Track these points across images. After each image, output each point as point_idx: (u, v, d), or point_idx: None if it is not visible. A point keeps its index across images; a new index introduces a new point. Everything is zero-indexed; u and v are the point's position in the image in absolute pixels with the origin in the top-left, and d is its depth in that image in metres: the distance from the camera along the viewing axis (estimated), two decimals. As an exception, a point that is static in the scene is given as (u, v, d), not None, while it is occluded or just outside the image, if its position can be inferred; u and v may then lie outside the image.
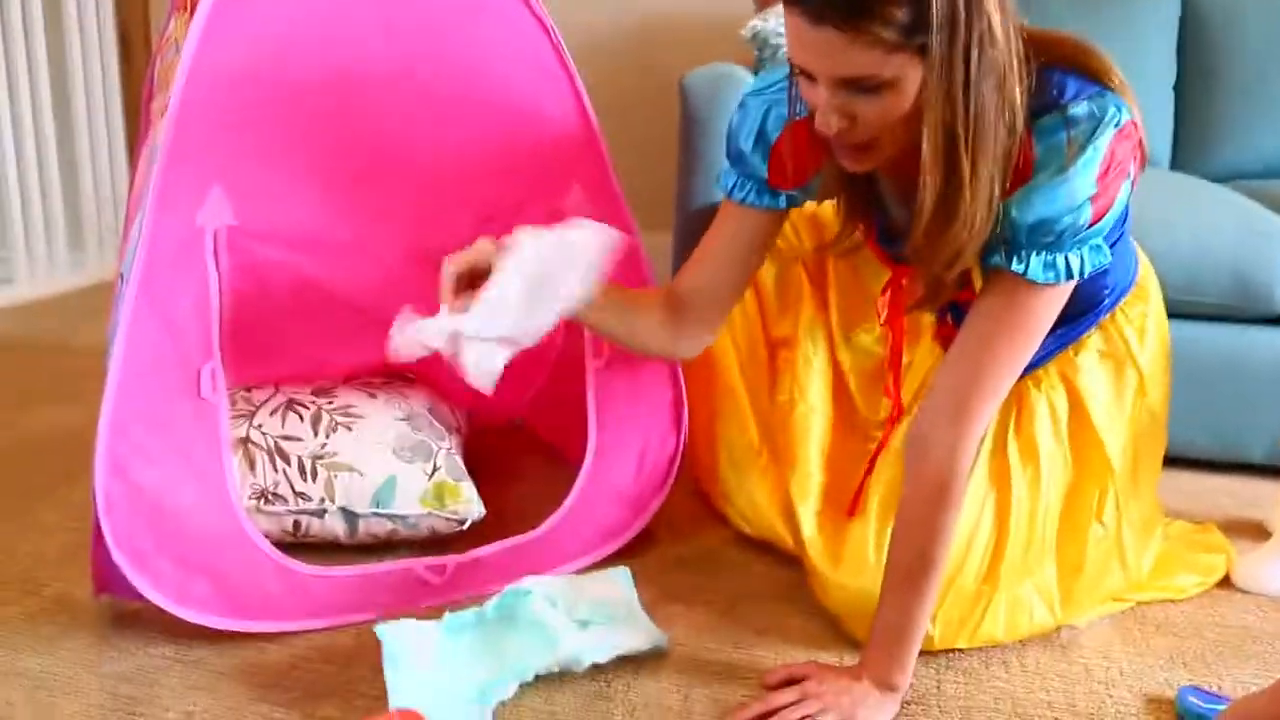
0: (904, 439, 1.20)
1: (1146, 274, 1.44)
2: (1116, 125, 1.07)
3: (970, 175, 1.05)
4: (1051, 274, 1.10)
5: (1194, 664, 1.30)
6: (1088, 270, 1.12)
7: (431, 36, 1.33)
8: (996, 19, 1.01)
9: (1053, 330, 1.31)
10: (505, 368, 1.14)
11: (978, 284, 1.18)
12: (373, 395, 1.55)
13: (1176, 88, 2.32)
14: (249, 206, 1.26)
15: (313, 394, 1.52)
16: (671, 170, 1.96)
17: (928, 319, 1.43)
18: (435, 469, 1.46)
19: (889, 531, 1.20)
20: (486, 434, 1.81)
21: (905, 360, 1.46)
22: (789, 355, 1.54)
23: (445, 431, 1.55)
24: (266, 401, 1.49)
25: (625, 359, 1.45)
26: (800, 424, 1.49)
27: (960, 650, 1.30)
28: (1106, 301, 1.35)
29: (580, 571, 1.44)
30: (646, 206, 1.78)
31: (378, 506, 1.43)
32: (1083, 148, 1.06)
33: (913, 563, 1.15)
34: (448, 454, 1.50)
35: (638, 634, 1.27)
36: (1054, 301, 1.14)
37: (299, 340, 1.47)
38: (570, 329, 1.41)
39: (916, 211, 1.08)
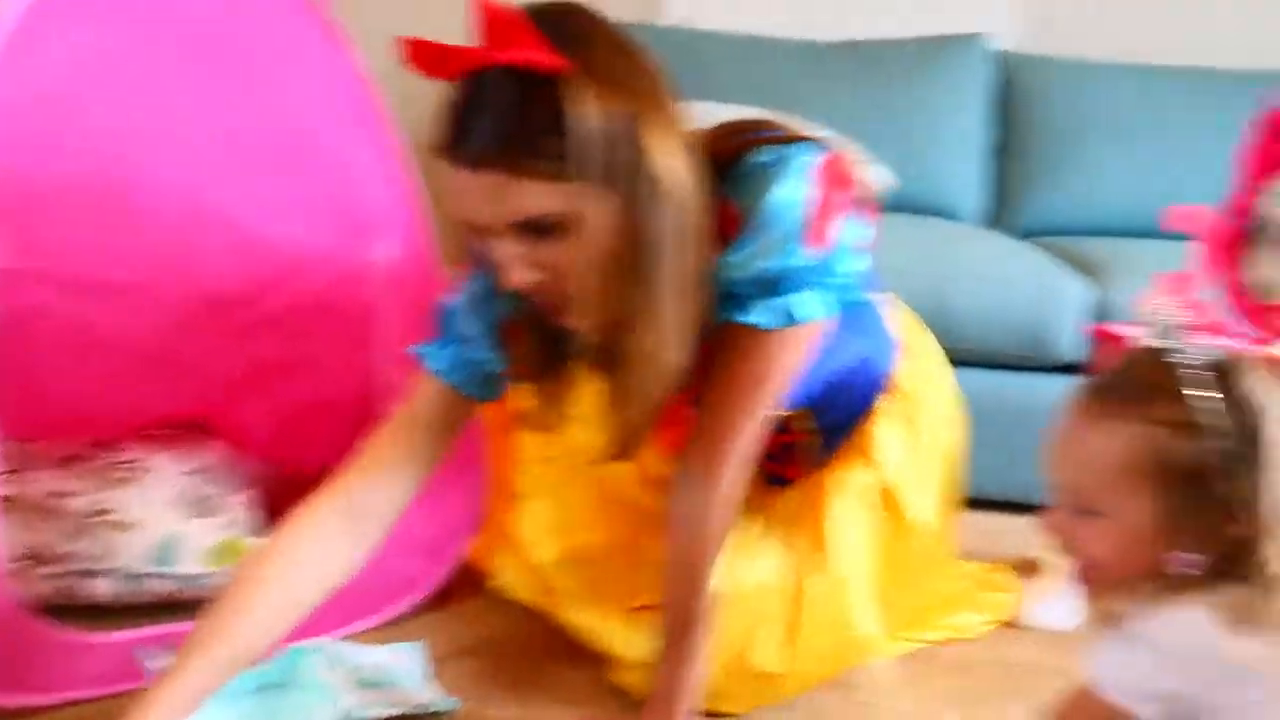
0: (666, 503, 1.19)
1: (909, 325, 1.49)
2: (811, 161, 1.07)
3: (657, 306, 1.01)
4: (781, 319, 1.08)
5: (972, 702, 1.35)
6: (823, 314, 1.10)
7: (232, 81, 1.31)
8: (662, 138, 0.98)
9: (845, 416, 1.37)
10: (311, 415, 1.10)
11: None
12: (163, 448, 1.50)
13: (995, 150, 2.44)
14: (22, 247, 1.22)
15: (94, 446, 1.47)
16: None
17: None
18: (227, 525, 1.42)
19: None
20: (300, 484, 1.76)
21: None
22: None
23: (240, 485, 1.51)
24: (40, 455, 1.44)
25: None
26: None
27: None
28: (884, 369, 1.39)
29: (374, 630, 1.41)
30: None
31: (159, 566, 1.38)
32: (777, 189, 1.05)
33: (679, 632, 1.16)
34: (241, 509, 1.46)
35: (422, 693, 1.26)
36: (788, 349, 1.11)
37: (75, 388, 1.42)
38: (367, 373, 1.40)
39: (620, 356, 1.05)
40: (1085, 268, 1.97)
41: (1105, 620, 0.91)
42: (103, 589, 1.38)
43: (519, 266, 0.99)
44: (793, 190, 1.06)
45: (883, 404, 1.41)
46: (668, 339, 1.04)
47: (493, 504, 1.53)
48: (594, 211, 0.97)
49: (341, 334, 1.47)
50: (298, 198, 1.37)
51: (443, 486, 1.44)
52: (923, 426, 1.42)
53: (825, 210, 1.08)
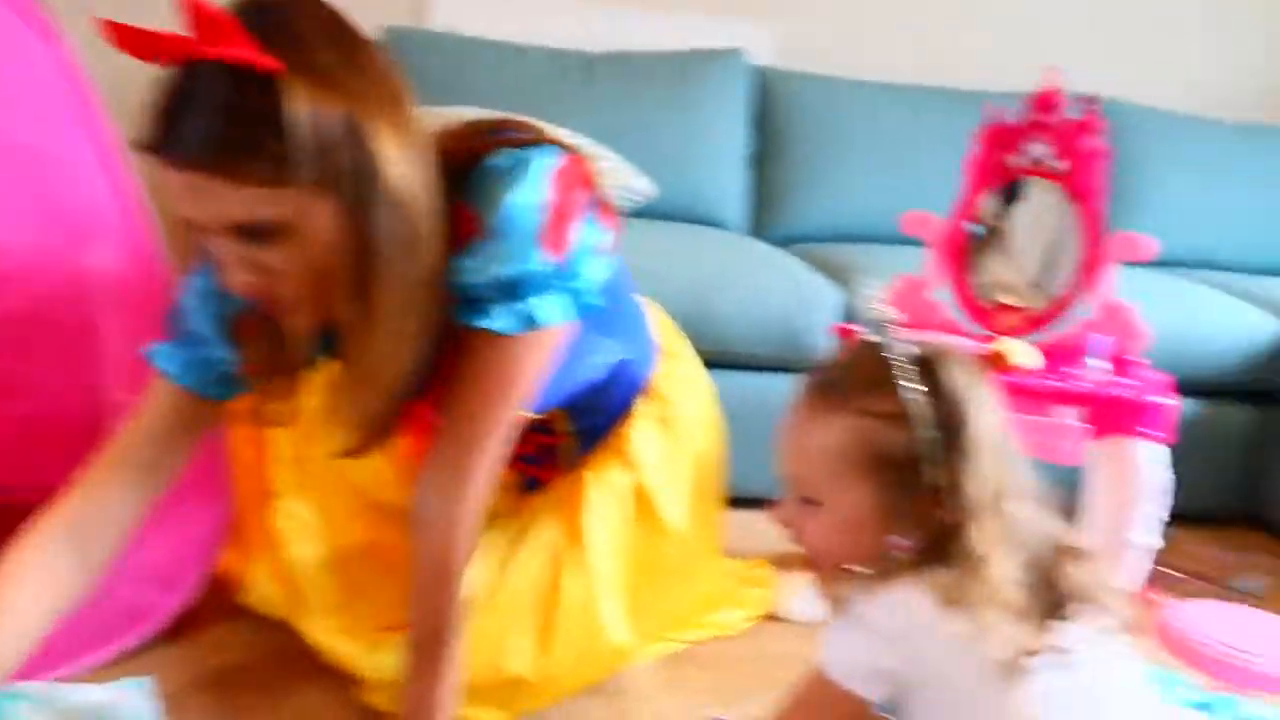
0: (410, 517, 1.14)
1: (666, 329, 1.51)
2: (549, 164, 1.06)
3: (382, 313, 0.98)
4: (521, 323, 1.07)
5: (731, 696, 1.38)
6: (566, 318, 1.09)
7: None
8: (389, 145, 0.94)
9: (598, 424, 1.36)
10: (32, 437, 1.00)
11: None
12: None
13: (753, 160, 2.53)
14: None
15: None
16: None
17: None
18: None
19: None
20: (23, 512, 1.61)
21: None
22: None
23: None
24: None
25: None
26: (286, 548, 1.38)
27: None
28: (642, 373, 1.40)
29: (105, 667, 1.30)
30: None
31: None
32: (513, 192, 1.04)
33: (429, 640, 1.12)
34: None
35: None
36: (531, 352, 1.10)
37: None
38: (93, 389, 1.29)
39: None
40: (836, 273, 2.07)
41: (833, 606, 0.94)
42: None
43: (235, 268, 0.95)
44: (530, 193, 1.05)
45: (640, 407, 1.42)
46: (392, 345, 1.01)
47: (245, 510, 1.45)
48: (313, 216, 0.93)
49: (60, 348, 1.34)
50: (3, 201, 1.25)
51: (178, 509, 1.35)
52: (680, 429, 1.43)
53: (564, 213, 1.07)
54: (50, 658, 1.23)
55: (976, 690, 0.89)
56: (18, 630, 1.01)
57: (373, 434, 1.11)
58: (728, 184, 2.46)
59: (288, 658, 1.37)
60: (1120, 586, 0.98)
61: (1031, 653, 0.87)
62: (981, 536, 0.89)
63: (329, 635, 1.31)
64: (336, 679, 1.31)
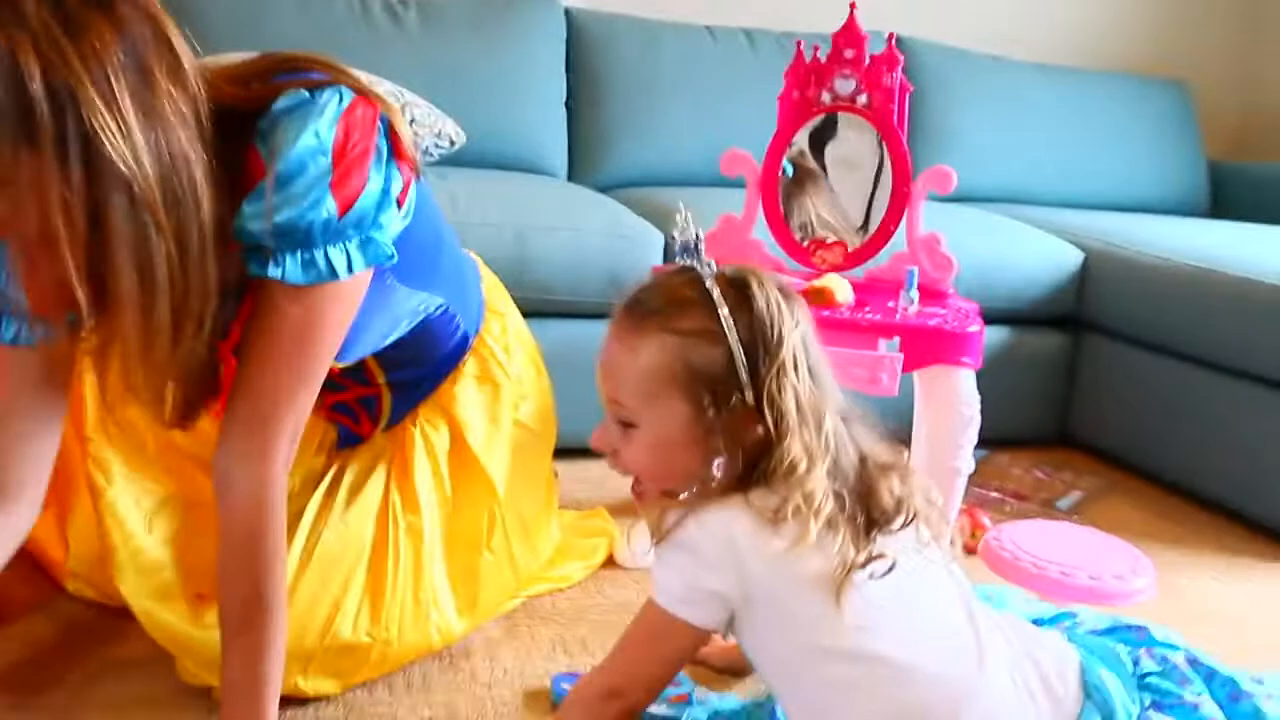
0: (213, 482, 1.08)
1: (492, 288, 1.48)
2: (339, 105, 1.01)
3: (123, 290, 0.90)
4: (313, 273, 1.01)
5: (575, 649, 1.37)
6: (361, 266, 1.04)
7: None
8: (116, 111, 0.86)
9: (419, 376, 1.31)
10: None
11: None
12: None
13: (568, 104, 2.48)
14: None
15: None
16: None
17: None
18: None
19: None
20: None
21: None
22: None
23: None
24: None
25: None
26: (110, 511, 1.27)
27: (344, 682, 1.24)
28: (467, 330, 1.36)
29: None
30: None
31: None
32: (299, 135, 0.98)
33: (244, 612, 1.05)
34: None
35: None
36: (329, 304, 1.04)
37: None
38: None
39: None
40: (656, 216, 2.05)
41: (657, 534, 0.94)
42: None
43: None
44: (317, 137, 0.99)
45: (465, 365, 1.38)
46: (153, 329, 0.93)
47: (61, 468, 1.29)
48: (22, 177, 0.85)
49: None
50: None
51: None
52: (505, 389, 1.40)
53: (354, 158, 1.01)
54: None
55: (803, 606, 0.90)
56: None
57: (182, 407, 1.04)
58: (545, 129, 2.41)
59: (103, 643, 1.29)
60: (938, 500, 1.00)
61: (853, 565, 0.89)
62: (797, 450, 0.91)
63: (147, 598, 1.22)
64: (155, 662, 1.23)
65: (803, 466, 0.91)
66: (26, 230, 0.88)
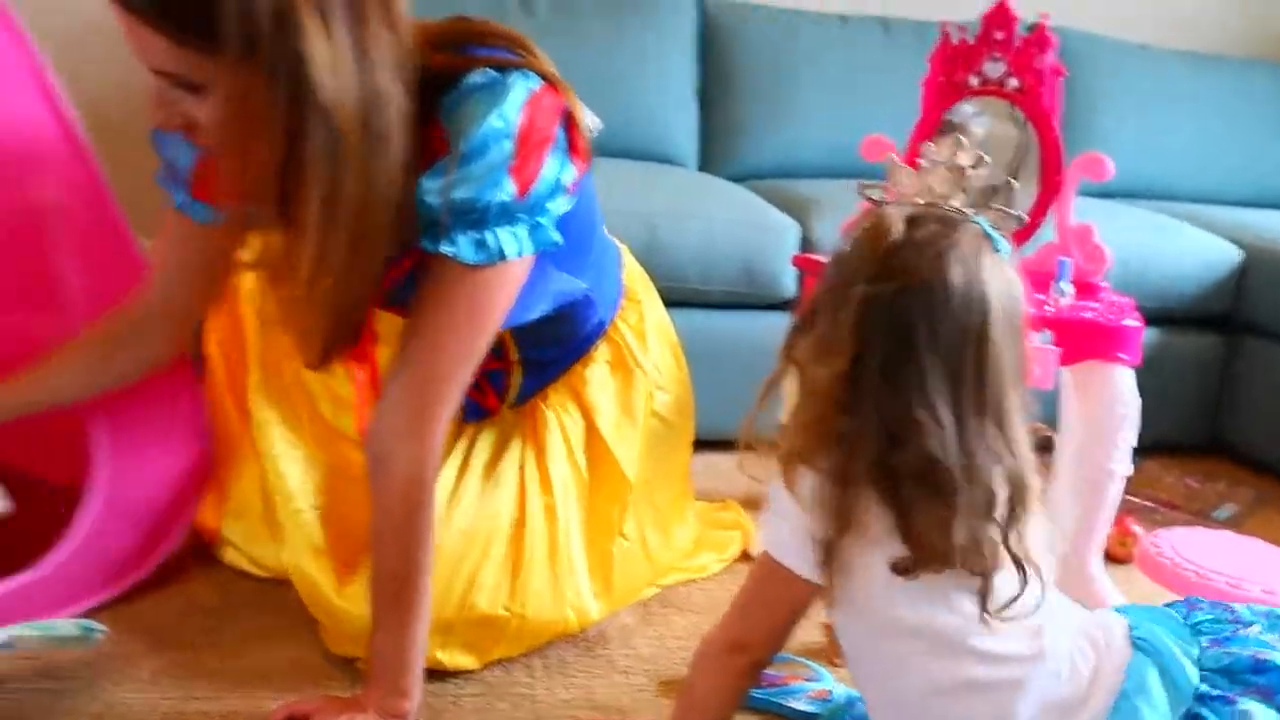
0: (367, 455, 1.10)
1: (636, 277, 1.47)
2: (526, 91, 1.02)
3: (304, 218, 0.95)
4: (484, 254, 1.03)
5: (710, 638, 1.34)
6: (528, 249, 1.05)
7: None
8: (326, 42, 0.91)
9: (553, 356, 1.32)
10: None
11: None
12: None
13: (700, 94, 2.46)
14: None
15: None
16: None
17: None
18: None
19: None
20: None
21: None
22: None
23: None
24: None
25: None
26: (270, 467, 1.33)
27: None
28: (604, 316, 1.36)
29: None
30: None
31: (43, 629, 1.14)
32: (486, 116, 1.00)
33: (396, 585, 1.07)
34: None
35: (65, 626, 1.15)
36: (496, 284, 1.06)
37: None
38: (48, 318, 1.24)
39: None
40: (791, 207, 2.02)
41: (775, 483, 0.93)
42: None
43: (157, 106, 0.97)
44: (503, 120, 1.00)
45: (600, 349, 1.37)
46: (320, 259, 0.97)
47: (223, 440, 1.41)
48: (236, 91, 0.92)
49: (17, 279, 1.28)
50: None
51: (163, 455, 1.34)
52: (639, 377, 1.39)
53: (535, 144, 1.02)
54: (48, 603, 1.22)
55: (875, 573, 0.88)
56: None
57: (324, 347, 1.07)
58: (677, 119, 2.39)
59: (257, 610, 1.33)
60: (1050, 547, 0.94)
61: (927, 568, 0.87)
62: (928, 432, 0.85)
63: (302, 557, 1.26)
64: (305, 630, 1.27)
65: (930, 450, 0.85)
66: (226, 137, 0.95)
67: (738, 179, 2.31)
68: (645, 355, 1.40)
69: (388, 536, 1.07)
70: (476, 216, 1.01)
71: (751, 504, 1.70)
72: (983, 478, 0.86)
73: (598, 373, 1.36)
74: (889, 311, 0.86)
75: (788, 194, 2.13)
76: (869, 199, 1.28)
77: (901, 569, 0.87)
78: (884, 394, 0.86)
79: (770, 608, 0.95)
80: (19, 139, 1.24)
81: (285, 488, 1.30)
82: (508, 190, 1.01)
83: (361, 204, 0.96)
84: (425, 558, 1.07)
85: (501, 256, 1.04)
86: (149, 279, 1.22)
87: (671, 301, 1.80)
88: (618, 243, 1.45)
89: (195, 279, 1.21)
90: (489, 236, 1.03)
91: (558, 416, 1.33)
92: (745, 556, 1.58)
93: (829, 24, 2.52)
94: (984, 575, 0.87)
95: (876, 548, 0.88)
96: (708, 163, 2.44)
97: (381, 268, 1.03)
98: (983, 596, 0.88)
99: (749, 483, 1.75)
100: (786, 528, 0.91)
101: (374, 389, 1.31)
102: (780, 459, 0.92)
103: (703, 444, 1.84)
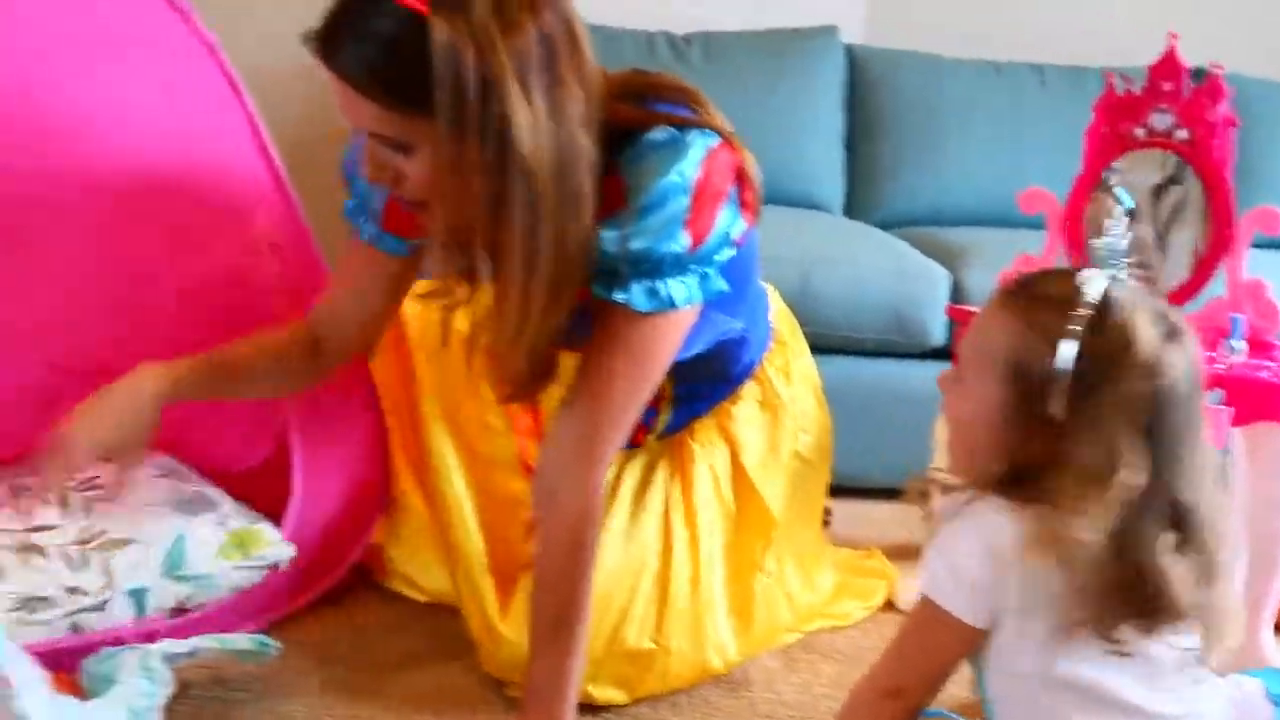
0: (533, 489, 1.15)
1: (783, 319, 1.49)
2: (704, 148, 1.06)
3: (509, 263, 1.02)
4: (655, 302, 1.07)
5: (855, 688, 1.34)
6: (697, 298, 1.09)
7: (78, 64, 1.24)
8: (525, 105, 0.97)
9: (704, 392, 1.35)
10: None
11: None
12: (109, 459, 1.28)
13: (847, 141, 2.47)
14: None
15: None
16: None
17: None
18: (225, 516, 1.28)
19: None
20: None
21: None
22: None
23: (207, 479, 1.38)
24: None
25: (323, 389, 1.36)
26: (446, 494, 1.39)
27: (630, 697, 1.27)
28: (753, 356, 1.38)
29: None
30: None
31: (168, 573, 1.23)
32: (666, 171, 1.04)
33: (557, 618, 1.11)
34: (227, 499, 1.33)
35: (240, 641, 1.21)
36: (665, 331, 1.10)
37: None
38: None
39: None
40: (938, 254, 2.00)
41: (936, 519, 0.94)
42: (111, 619, 1.21)
43: (369, 162, 1.05)
44: (682, 176, 1.05)
45: (747, 388, 1.39)
46: (520, 301, 1.04)
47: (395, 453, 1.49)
48: (444, 151, 0.99)
49: (238, 313, 1.37)
50: (159, 179, 1.30)
51: (345, 473, 1.43)
52: (784, 417, 1.41)
53: (710, 199, 1.07)
54: (256, 606, 1.34)
55: (1037, 629, 0.88)
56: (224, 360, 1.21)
57: (520, 385, 1.13)
58: (823, 165, 2.40)
59: (415, 634, 1.39)
60: (1240, 618, 0.93)
61: (1096, 633, 0.86)
62: (1079, 492, 0.86)
63: (477, 578, 1.31)
64: (460, 654, 1.32)
65: (1081, 508, 0.86)
66: (433, 192, 1.03)
67: (883, 225, 2.30)
68: (791, 396, 1.42)
69: (552, 569, 1.11)
70: (650, 266, 1.06)
71: (895, 553, 1.69)
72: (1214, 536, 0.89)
73: (745, 410, 1.38)
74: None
75: (936, 241, 2.11)
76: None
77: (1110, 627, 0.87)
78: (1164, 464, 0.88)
79: (929, 653, 0.94)
80: (238, 178, 1.35)
81: (461, 510, 1.36)
82: (681, 242, 1.06)
83: (559, 253, 1.02)
84: (587, 591, 1.11)
85: (672, 305, 1.08)
86: (326, 298, 1.29)
87: (820, 348, 1.81)
88: (767, 286, 1.47)
89: (371, 303, 1.27)
90: (661, 286, 1.07)
91: (706, 451, 1.35)
92: (889, 605, 1.56)
93: (982, 70, 2.50)
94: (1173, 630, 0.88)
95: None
96: (852, 209, 2.43)
97: (572, 309, 1.07)
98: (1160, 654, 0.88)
99: (890, 531, 1.76)
100: (953, 574, 0.90)
101: (536, 420, 1.37)
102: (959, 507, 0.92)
103: (848, 491, 1.85)
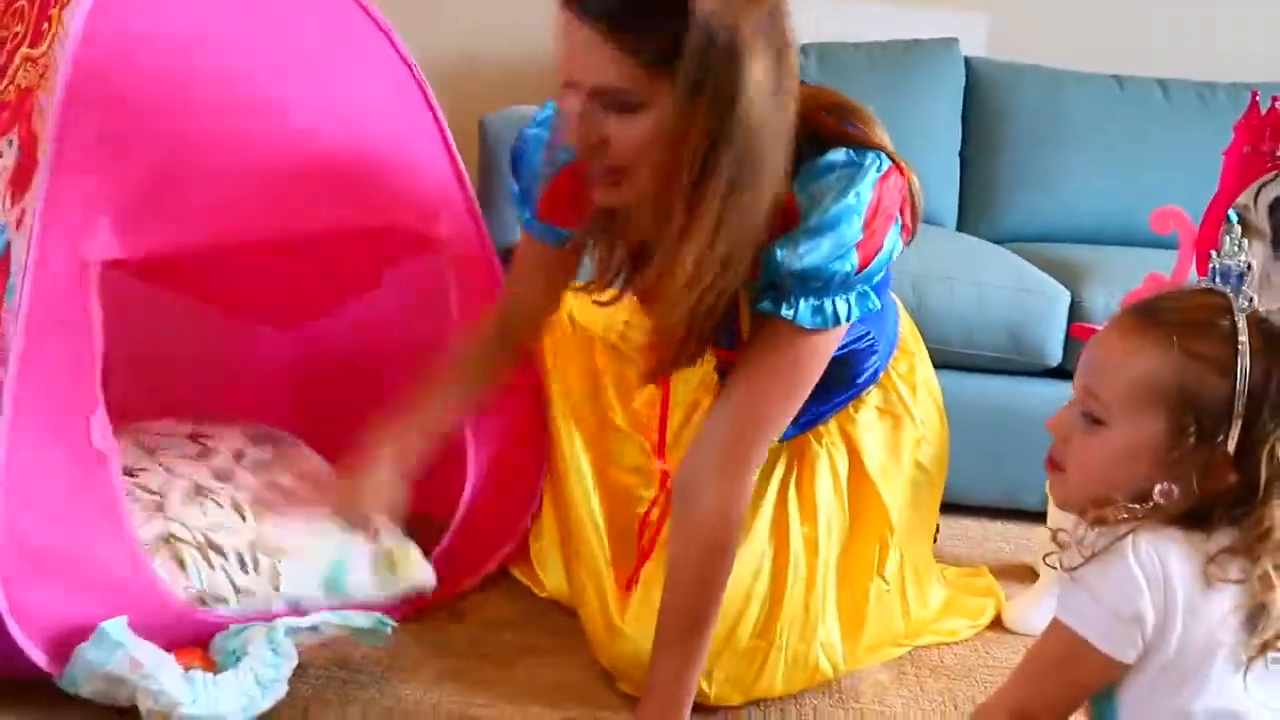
0: (674, 489, 1.17)
1: (908, 329, 1.48)
2: (878, 171, 1.08)
3: (697, 227, 1.03)
4: (820, 319, 1.09)
5: (965, 705, 1.33)
6: (855, 315, 1.12)
7: (304, 65, 1.32)
8: (760, 75, 0.99)
9: (829, 395, 1.33)
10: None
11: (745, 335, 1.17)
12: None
13: (962, 154, 2.43)
14: (130, 234, 1.15)
15: (215, 478, 1.34)
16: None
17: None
18: (376, 533, 1.33)
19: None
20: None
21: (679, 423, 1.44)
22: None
23: None
24: (170, 489, 1.30)
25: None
26: (574, 489, 1.43)
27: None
28: (879, 363, 1.38)
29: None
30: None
31: (327, 591, 1.28)
32: (843, 193, 1.06)
33: (686, 619, 1.12)
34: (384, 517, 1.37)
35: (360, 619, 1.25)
36: (823, 348, 1.13)
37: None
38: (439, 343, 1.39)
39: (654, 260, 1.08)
40: (1059, 272, 1.96)
41: (1074, 545, 0.90)
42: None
43: (578, 124, 1.03)
44: (859, 198, 1.07)
45: (872, 394, 1.40)
46: (702, 271, 1.05)
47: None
48: (670, 110, 1.00)
49: (422, 313, 1.48)
50: (364, 171, 1.36)
51: (508, 467, 1.48)
52: (906, 426, 1.41)
53: (881, 222, 1.09)
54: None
55: (1199, 664, 0.86)
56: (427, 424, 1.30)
57: (673, 356, 1.15)
58: (938, 178, 2.36)
59: (533, 628, 1.42)
60: None
61: (1270, 646, 0.86)
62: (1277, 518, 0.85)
63: (601, 573, 1.34)
64: (575, 651, 1.34)
65: None
66: (646, 154, 1.03)
67: (996, 240, 2.26)
68: (915, 404, 1.42)
69: (686, 571, 1.13)
70: (819, 284, 1.08)
71: (1003, 571, 1.67)
72: None
73: (868, 416, 1.39)
74: None
75: (1052, 258, 2.07)
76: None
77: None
78: None
79: (1066, 686, 0.92)
80: (427, 184, 1.41)
81: (588, 504, 1.40)
82: (851, 263, 1.08)
83: (743, 225, 1.04)
84: (719, 597, 1.12)
85: (836, 322, 1.10)
86: (502, 296, 1.37)
87: (935, 364, 1.79)
88: (893, 296, 1.47)
89: (535, 293, 1.32)
90: (827, 303, 1.09)
91: (828, 453, 1.36)
92: (996, 624, 1.54)
93: (1102, 84, 2.44)
94: None
95: (1224, 632, 0.86)
96: (965, 223, 2.40)
97: (736, 290, 1.09)
98: None
99: (995, 549, 1.74)
100: (1103, 607, 0.88)
101: (663, 414, 1.41)
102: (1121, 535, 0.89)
103: (958, 508, 1.83)
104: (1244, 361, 0.85)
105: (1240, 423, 0.85)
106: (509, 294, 1.36)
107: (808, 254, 1.06)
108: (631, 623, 1.26)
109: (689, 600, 1.12)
